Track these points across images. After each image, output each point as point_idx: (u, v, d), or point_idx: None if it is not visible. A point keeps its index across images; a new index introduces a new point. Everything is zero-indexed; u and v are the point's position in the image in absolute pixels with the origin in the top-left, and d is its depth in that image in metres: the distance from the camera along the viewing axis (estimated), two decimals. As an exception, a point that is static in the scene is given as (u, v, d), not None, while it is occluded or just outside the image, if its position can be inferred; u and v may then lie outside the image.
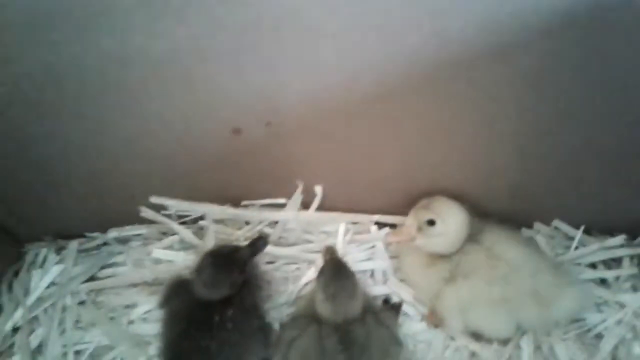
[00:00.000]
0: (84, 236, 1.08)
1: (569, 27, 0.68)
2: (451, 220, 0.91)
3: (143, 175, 0.94)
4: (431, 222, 0.91)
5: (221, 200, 0.98)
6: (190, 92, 0.77)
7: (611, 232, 1.00)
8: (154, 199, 0.98)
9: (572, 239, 1.00)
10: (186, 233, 1.01)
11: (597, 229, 1.01)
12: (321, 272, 0.86)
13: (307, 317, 0.88)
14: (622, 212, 0.97)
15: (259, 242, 0.90)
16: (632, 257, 0.99)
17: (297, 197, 0.98)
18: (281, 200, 1.00)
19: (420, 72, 0.74)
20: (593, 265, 1.00)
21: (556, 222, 1.01)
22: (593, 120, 0.82)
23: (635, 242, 1.00)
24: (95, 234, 1.07)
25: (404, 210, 0.97)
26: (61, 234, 1.07)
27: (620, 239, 0.98)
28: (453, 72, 0.75)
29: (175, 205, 0.99)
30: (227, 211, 0.99)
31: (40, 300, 1.01)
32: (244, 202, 1.00)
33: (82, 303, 1.01)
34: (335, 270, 0.86)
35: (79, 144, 0.88)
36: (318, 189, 0.97)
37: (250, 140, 0.85)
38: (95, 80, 0.76)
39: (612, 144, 0.86)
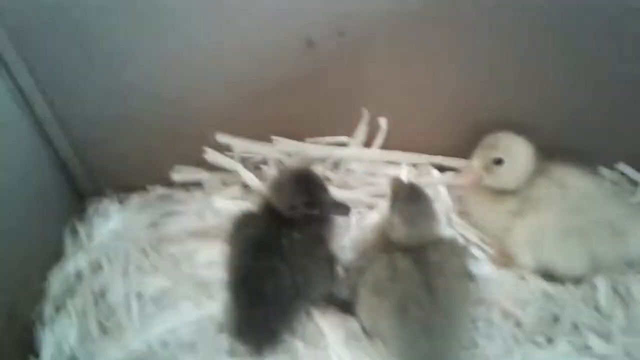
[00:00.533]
0: (146, 189, 1.09)
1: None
2: (519, 156, 0.90)
3: (207, 115, 0.96)
4: (499, 161, 0.90)
5: (285, 136, 0.99)
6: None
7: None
8: (220, 137, 0.98)
9: (637, 184, 0.99)
10: (249, 175, 1.01)
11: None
12: (396, 197, 0.85)
13: (376, 249, 0.87)
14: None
15: (343, 206, 0.89)
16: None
17: (362, 128, 0.98)
18: (344, 139, 1.00)
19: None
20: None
21: (621, 166, 0.99)
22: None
23: None
24: (156, 186, 1.08)
25: (464, 153, 0.96)
26: (124, 187, 1.08)
27: (687, 179, 0.96)
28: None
29: (239, 144, 1.00)
30: (291, 144, 0.99)
31: (102, 246, 1.01)
32: (308, 139, 1.00)
33: (144, 250, 1.01)
34: (412, 193, 0.85)
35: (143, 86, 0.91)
36: (383, 122, 0.97)
37: (322, 56, 0.86)
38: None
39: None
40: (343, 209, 0.89)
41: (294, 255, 0.85)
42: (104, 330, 0.92)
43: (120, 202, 1.08)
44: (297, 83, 0.90)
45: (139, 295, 0.95)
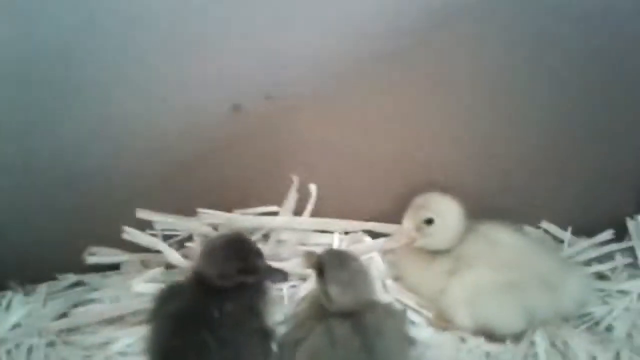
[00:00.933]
0: (55, 278, 0.99)
1: None
2: (449, 215, 0.90)
3: (126, 189, 0.91)
4: (429, 221, 0.90)
5: (211, 208, 0.95)
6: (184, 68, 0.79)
7: (596, 232, 1.01)
8: (140, 213, 0.93)
9: (560, 240, 1.01)
10: (172, 254, 0.95)
11: (583, 230, 1.01)
12: (320, 268, 0.80)
13: (310, 319, 0.83)
14: (608, 207, 1.00)
15: (279, 272, 0.85)
16: (622, 251, 0.99)
17: (292, 195, 0.96)
18: (274, 208, 0.97)
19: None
20: (586, 264, 0.99)
21: (544, 224, 1.02)
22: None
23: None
24: (68, 275, 0.99)
25: (396, 218, 0.95)
26: (30, 278, 0.98)
27: (609, 233, 1.00)
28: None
29: (161, 220, 0.94)
30: (219, 216, 0.95)
31: (2, 341, 0.89)
32: (236, 211, 0.96)
33: (51, 344, 0.90)
34: (340, 258, 0.82)
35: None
36: (313, 188, 0.96)
37: (250, 120, 0.86)
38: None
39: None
40: (280, 275, 0.84)
41: (225, 329, 0.77)
42: None
43: (26, 293, 0.97)
44: (224, 150, 0.89)
45: (44, 395, 0.84)
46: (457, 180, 0.95)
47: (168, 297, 0.81)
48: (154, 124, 0.86)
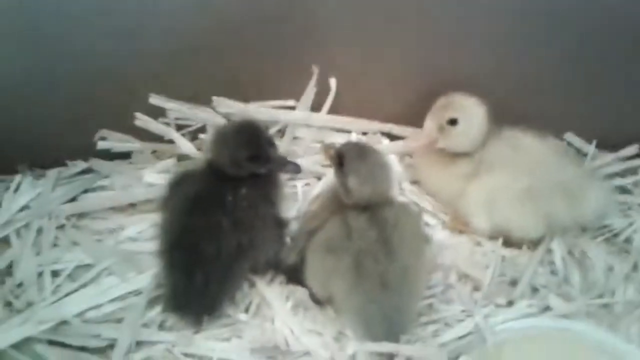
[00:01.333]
0: (65, 164, 0.97)
1: None
2: (473, 115, 0.87)
3: (138, 74, 0.86)
4: (453, 121, 0.86)
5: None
6: None
7: (621, 146, 0.98)
8: (153, 99, 0.89)
9: (584, 154, 0.98)
10: (185, 143, 0.92)
11: (607, 144, 0.98)
12: (342, 158, 0.78)
13: (327, 211, 0.81)
14: (633, 123, 0.97)
15: (292, 163, 0.83)
16: (647, 166, 0.98)
17: (311, 88, 0.92)
18: (291, 102, 0.94)
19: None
20: (609, 177, 0.96)
21: (569, 136, 0.98)
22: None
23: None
24: (77, 161, 0.96)
25: (415, 121, 0.93)
26: (40, 163, 0.96)
27: (634, 148, 0.96)
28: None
29: (175, 108, 0.91)
30: (234, 106, 0.91)
31: (10, 222, 0.88)
32: (252, 103, 0.93)
33: (61, 227, 0.89)
34: (360, 150, 0.80)
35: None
36: (332, 82, 0.92)
37: (269, 4, 0.81)
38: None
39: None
40: (292, 166, 0.82)
41: (240, 213, 0.76)
42: (10, 308, 0.79)
43: (35, 178, 0.95)
44: (241, 36, 0.84)
45: (55, 273, 0.83)
46: (482, 83, 0.89)
47: (182, 182, 0.80)
48: (166, 5, 0.81)
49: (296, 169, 0.82)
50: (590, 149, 0.97)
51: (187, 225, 0.75)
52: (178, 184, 0.81)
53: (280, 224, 0.81)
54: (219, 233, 0.74)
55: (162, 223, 0.79)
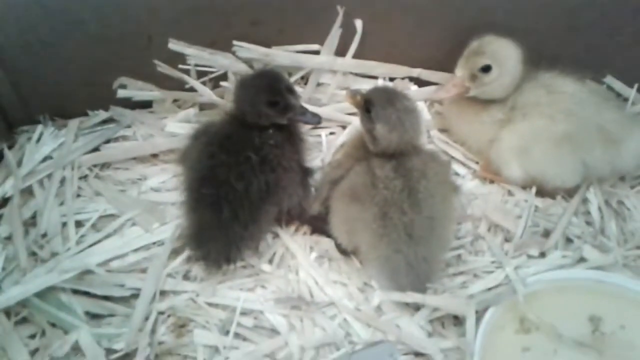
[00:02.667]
0: (86, 114, 0.96)
1: None
2: (507, 61, 0.82)
3: (157, 19, 0.83)
4: (486, 69, 0.82)
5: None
6: None
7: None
8: (173, 45, 0.86)
9: (624, 98, 0.92)
10: (205, 90, 0.90)
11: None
12: (370, 104, 0.74)
13: (352, 159, 0.79)
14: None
15: (313, 113, 0.79)
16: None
17: (336, 30, 0.88)
18: (315, 47, 0.90)
19: None
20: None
21: (609, 79, 0.93)
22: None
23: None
24: (99, 111, 0.95)
25: (445, 66, 0.89)
26: (62, 113, 0.95)
27: (679, 92, 0.91)
28: None
29: (195, 54, 0.88)
30: (256, 51, 0.88)
31: (34, 172, 0.88)
32: (274, 48, 0.89)
33: (84, 178, 0.89)
34: (389, 95, 0.75)
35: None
36: (358, 24, 0.88)
37: None
38: None
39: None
40: (312, 116, 0.79)
41: (267, 151, 0.74)
42: (35, 258, 0.79)
43: (57, 128, 0.94)
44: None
45: (78, 223, 0.83)
46: (517, 23, 0.85)
47: (205, 129, 0.79)
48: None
49: (317, 120, 0.79)
50: (632, 93, 0.92)
51: (216, 162, 0.73)
52: (197, 137, 0.79)
53: (305, 171, 0.79)
54: (248, 170, 0.73)
55: (189, 163, 0.77)
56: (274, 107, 0.76)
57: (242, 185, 0.72)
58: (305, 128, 0.83)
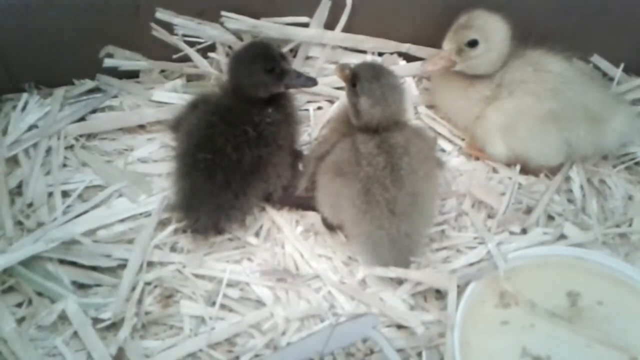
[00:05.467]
0: (72, 83, 0.94)
1: None
2: (494, 37, 0.82)
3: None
4: (472, 43, 0.82)
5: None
6: None
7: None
8: (160, 14, 0.86)
9: (610, 78, 0.93)
10: (198, 58, 0.90)
11: (636, 67, 0.93)
12: (356, 78, 0.75)
13: (337, 134, 0.79)
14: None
15: (308, 77, 0.80)
16: (675, 91, 0.93)
17: (325, 2, 0.87)
18: (304, 19, 0.89)
19: None
20: (634, 103, 0.92)
21: (595, 58, 0.93)
22: None
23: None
24: (85, 80, 0.94)
25: (433, 42, 0.88)
26: (47, 82, 0.94)
27: (664, 73, 0.92)
28: None
29: (183, 24, 0.87)
30: (245, 23, 0.87)
31: (19, 141, 0.87)
32: (264, 19, 0.88)
33: (70, 147, 0.88)
34: (375, 70, 0.75)
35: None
36: (348, -2, 0.88)
37: None
38: None
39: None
40: (308, 80, 0.79)
41: (264, 129, 0.76)
42: (21, 227, 0.79)
43: (43, 97, 0.93)
44: None
45: (64, 193, 0.83)
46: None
47: (201, 103, 0.79)
48: None
49: (312, 82, 0.80)
50: (618, 72, 0.92)
51: (215, 132, 0.74)
52: (196, 105, 0.80)
53: (296, 154, 0.82)
54: (243, 142, 0.74)
55: (186, 129, 0.78)
56: (271, 74, 0.76)
57: (237, 155, 0.73)
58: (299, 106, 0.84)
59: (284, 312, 0.72)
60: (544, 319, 0.71)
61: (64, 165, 0.86)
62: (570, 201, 0.83)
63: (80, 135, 0.89)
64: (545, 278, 0.74)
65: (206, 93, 0.83)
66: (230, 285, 0.74)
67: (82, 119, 0.91)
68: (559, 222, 0.80)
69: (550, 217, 0.81)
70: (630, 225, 0.81)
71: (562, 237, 0.78)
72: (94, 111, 0.92)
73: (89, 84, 0.94)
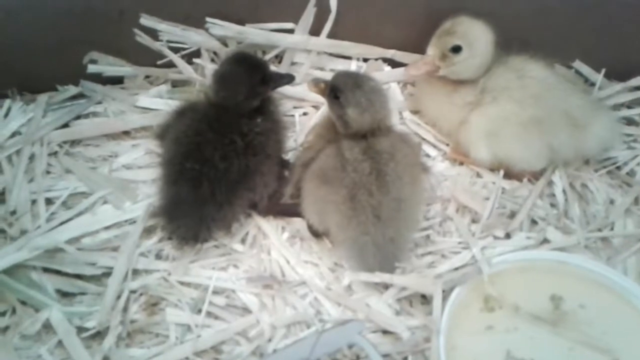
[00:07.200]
0: (55, 89, 0.94)
1: None
2: (478, 42, 0.83)
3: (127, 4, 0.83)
4: (456, 49, 0.82)
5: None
6: None
7: (631, 76, 0.94)
8: (145, 20, 0.86)
9: (592, 83, 0.94)
10: (185, 66, 0.90)
11: (617, 73, 0.94)
12: (338, 90, 0.75)
13: (323, 140, 0.79)
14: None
15: (287, 75, 0.82)
16: (655, 97, 0.95)
17: (310, 9, 0.88)
18: (289, 25, 0.90)
19: None
20: (616, 108, 0.94)
21: (577, 64, 0.94)
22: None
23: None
24: (68, 86, 0.93)
25: (418, 48, 0.88)
26: (30, 88, 0.93)
27: (642, 78, 0.94)
28: None
29: (168, 30, 0.87)
30: (230, 29, 0.87)
31: (2, 148, 0.87)
32: (249, 25, 0.89)
33: (54, 154, 0.88)
34: (355, 79, 0.76)
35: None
36: (333, 3, 0.87)
37: None
38: None
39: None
40: (288, 78, 0.81)
41: (252, 139, 0.76)
42: (4, 235, 0.78)
43: (26, 103, 0.93)
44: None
45: (48, 200, 0.82)
46: (489, 6, 0.85)
47: (188, 111, 0.79)
48: None
49: (291, 78, 0.81)
50: (599, 78, 0.94)
51: (203, 140, 0.74)
52: (182, 113, 0.80)
53: (283, 163, 0.82)
54: (231, 152, 0.74)
55: (173, 136, 0.77)
56: (263, 83, 0.77)
57: (224, 165, 0.73)
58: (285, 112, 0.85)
59: (270, 319, 0.72)
60: (528, 322, 0.71)
61: (48, 172, 0.86)
62: (553, 205, 0.84)
63: (64, 142, 0.88)
64: (528, 282, 0.75)
65: (193, 101, 0.83)
66: (216, 292, 0.74)
67: (65, 125, 0.90)
68: (542, 227, 0.81)
69: (534, 222, 0.82)
70: (612, 229, 0.82)
71: (545, 241, 0.79)
72: (77, 117, 0.92)
73: (72, 90, 0.93)
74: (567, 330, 0.71)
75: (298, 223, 0.80)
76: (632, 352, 0.69)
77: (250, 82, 0.76)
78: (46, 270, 0.75)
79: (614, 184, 0.87)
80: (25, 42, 0.87)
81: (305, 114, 0.92)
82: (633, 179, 0.87)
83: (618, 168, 0.88)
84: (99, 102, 0.93)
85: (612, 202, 0.85)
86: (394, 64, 0.95)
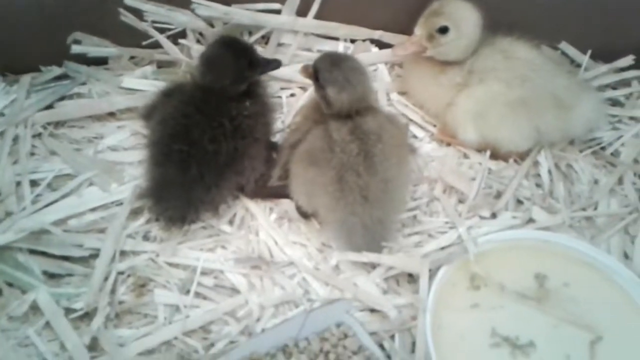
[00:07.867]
0: (39, 70, 0.92)
1: None
2: (465, 23, 0.82)
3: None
4: (443, 30, 0.82)
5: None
6: None
7: (617, 57, 0.95)
8: (129, 0, 0.84)
9: (578, 64, 0.95)
10: (171, 47, 0.89)
11: (603, 54, 0.95)
12: (317, 71, 0.76)
13: (309, 121, 0.79)
14: (629, 33, 0.93)
15: (274, 61, 0.81)
16: (640, 78, 0.96)
17: (298, -11, 0.88)
18: (276, 5, 0.88)
19: None
20: (601, 89, 0.94)
21: (563, 45, 0.95)
22: None
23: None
24: (52, 67, 0.92)
25: (405, 29, 0.88)
26: (12, 68, 0.92)
27: (629, 59, 0.94)
28: None
29: (153, 10, 0.86)
30: (216, 9, 0.86)
31: (-16, 130, 0.86)
32: (235, 6, 0.87)
33: (38, 136, 0.87)
34: (332, 58, 0.76)
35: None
36: (320, -17, 0.87)
37: None
38: None
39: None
40: (275, 63, 0.81)
41: (240, 122, 0.75)
42: (-12, 218, 0.78)
43: (9, 84, 0.91)
44: None
45: (33, 182, 0.81)
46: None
47: (176, 92, 0.78)
48: None
49: (278, 64, 0.81)
50: (585, 59, 0.94)
51: (191, 122, 0.74)
52: (169, 94, 0.79)
53: (271, 145, 0.82)
54: (220, 134, 0.73)
55: (160, 117, 0.77)
56: (250, 67, 0.77)
57: (213, 147, 0.73)
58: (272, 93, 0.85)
59: (258, 299, 0.73)
60: (513, 300, 0.72)
61: (32, 154, 0.85)
62: (538, 185, 0.85)
63: (48, 123, 0.87)
64: (514, 261, 0.76)
65: (180, 82, 0.82)
66: (204, 273, 0.74)
67: (49, 106, 0.89)
68: (528, 207, 0.82)
69: (519, 202, 0.83)
70: (595, 208, 0.83)
71: (531, 220, 0.80)
72: (61, 98, 0.90)
73: (56, 70, 0.92)
74: (551, 308, 0.72)
75: (286, 204, 0.80)
76: (615, 329, 0.70)
77: (236, 67, 0.76)
78: (32, 252, 0.75)
79: (599, 164, 0.88)
80: (7, 22, 0.85)
81: (292, 95, 0.92)
82: (617, 159, 0.88)
83: (603, 149, 0.89)
84: (83, 83, 0.91)
85: (596, 182, 0.86)
86: (381, 45, 0.94)
